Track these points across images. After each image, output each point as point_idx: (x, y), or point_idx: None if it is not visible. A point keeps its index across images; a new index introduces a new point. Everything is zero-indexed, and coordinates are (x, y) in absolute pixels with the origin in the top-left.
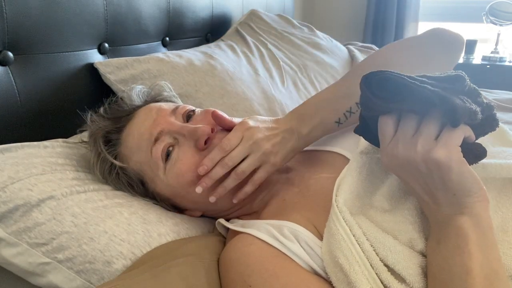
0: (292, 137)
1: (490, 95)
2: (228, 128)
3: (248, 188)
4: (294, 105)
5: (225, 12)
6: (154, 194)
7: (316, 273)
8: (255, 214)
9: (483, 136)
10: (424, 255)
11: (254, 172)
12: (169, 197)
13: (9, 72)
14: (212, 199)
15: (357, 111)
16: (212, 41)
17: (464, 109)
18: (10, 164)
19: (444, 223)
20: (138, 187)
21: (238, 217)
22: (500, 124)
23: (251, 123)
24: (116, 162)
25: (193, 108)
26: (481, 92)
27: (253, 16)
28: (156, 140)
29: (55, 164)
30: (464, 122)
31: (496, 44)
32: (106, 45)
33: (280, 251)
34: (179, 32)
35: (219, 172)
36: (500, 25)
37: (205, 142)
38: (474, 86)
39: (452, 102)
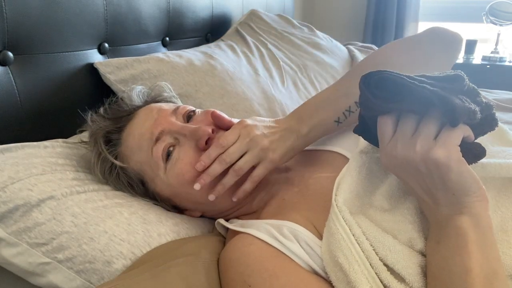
0: (291, 136)
1: (490, 95)
2: (227, 128)
3: (247, 186)
4: (294, 105)
5: (225, 12)
6: (154, 194)
7: (315, 273)
8: (254, 214)
9: (483, 135)
10: (423, 254)
11: (253, 169)
12: (169, 197)
13: (9, 72)
14: (211, 197)
15: (356, 110)
16: (212, 41)
17: (463, 108)
18: (10, 164)
19: (444, 223)
20: (138, 187)
21: (238, 217)
22: (500, 123)
23: (249, 121)
24: (117, 162)
25: (194, 108)
26: (480, 91)
27: (253, 16)
28: (157, 140)
29: (55, 164)
30: (463, 122)
31: (496, 44)
32: (106, 45)
33: (280, 251)
34: (179, 32)
35: (217, 168)
36: (500, 25)
37: (206, 142)
38: (473, 85)
39: (451, 102)
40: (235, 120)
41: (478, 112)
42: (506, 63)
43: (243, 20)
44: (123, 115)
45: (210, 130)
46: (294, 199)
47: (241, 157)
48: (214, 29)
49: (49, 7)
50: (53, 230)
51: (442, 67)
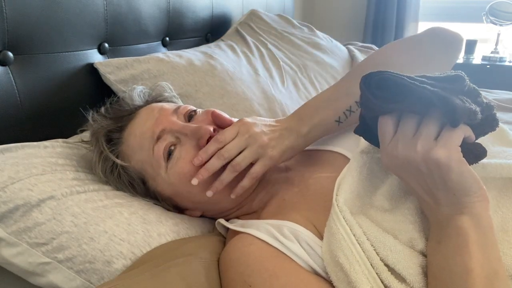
0: (291, 135)
1: (490, 95)
2: (227, 127)
3: (245, 182)
4: (294, 105)
5: (225, 12)
6: (155, 193)
7: (316, 273)
8: (254, 214)
9: (483, 136)
10: (424, 254)
11: (251, 167)
12: (170, 196)
13: (9, 72)
14: (209, 193)
15: (357, 110)
16: (212, 41)
17: (464, 109)
18: (10, 164)
19: (445, 223)
20: (139, 186)
21: (238, 217)
22: (500, 124)
23: (249, 119)
24: (118, 161)
25: (195, 108)
26: (481, 92)
27: (253, 16)
28: (158, 138)
29: (55, 164)
30: (463, 122)
31: (496, 44)
32: (106, 45)
33: (280, 251)
34: (179, 32)
35: (215, 164)
36: (500, 25)
37: (207, 142)
38: (474, 86)
39: (451, 102)
40: (236, 120)
41: (479, 113)
42: (506, 63)
43: (243, 20)
44: (124, 115)
45: (211, 129)
46: (294, 199)
47: (239, 153)
48: (214, 29)
49: (49, 7)
50: (53, 230)
51: (442, 67)
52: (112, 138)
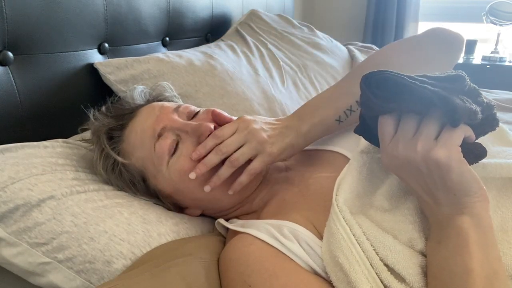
0: (291, 133)
1: (490, 95)
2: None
3: (243, 178)
4: (294, 105)
5: (225, 12)
6: (155, 191)
7: (316, 273)
8: (254, 213)
9: (483, 135)
10: (424, 254)
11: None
12: (170, 193)
13: (9, 72)
14: (206, 188)
15: (357, 109)
16: (212, 41)
17: (464, 109)
18: (10, 164)
19: (445, 223)
20: (140, 184)
21: (238, 217)
22: (500, 124)
23: (248, 117)
24: (119, 158)
25: (197, 109)
26: (481, 91)
27: (253, 16)
28: (159, 136)
29: (55, 164)
30: (464, 122)
31: (496, 44)
32: (106, 45)
33: (280, 251)
34: (179, 32)
35: (213, 159)
36: (500, 25)
37: None
38: (474, 85)
39: (452, 102)
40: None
41: (479, 112)
42: (506, 63)
43: (243, 20)
44: (126, 113)
45: (212, 126)
46: (294, 199)
47: (238, 149)
48: (214, 29)
49: (49, 7)
50: (53, 230)
51: (443, 67)
52: (113, 136)
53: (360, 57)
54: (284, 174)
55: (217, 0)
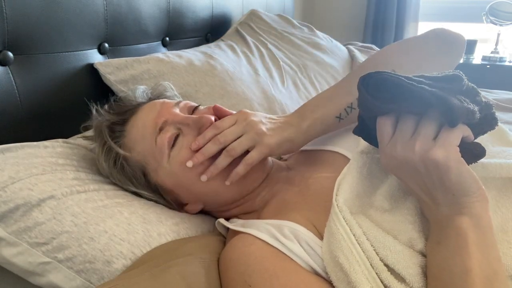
0: (290, 128)
1: (490, 95)
2: None
3: (240, 168)
4: (294, 105)
5: (225, 12)
6: (156, 185)
7: (316, 273)
8: (255, 213)
9: (483, 135)
10: (424, 254)
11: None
12: (170, 188)
13: (9, 72)
14: (203, 177)
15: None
16: (212, 41)
17: (462, 109)
18: (10, 164)
19: (444, 223)
20: (141, 178)
21: (238, 217)
22: (500, 124)
23: (248, 111)
24: (120, 151)
25: (196, 104)
26: (479, 91)
27: (253, 16)
28: (161, 129)
29: (55, 164)
30: (462, 122)
31: (496, 44)
32: (106, 45)
33: (280, 251)
34: (179, 32)
35: (210, 148)
36: (500, 25)
37: None
38: (473, 85)
39: (449, 102)
40: None
41: (477, 112)
42: (506, 63)
43: (243, 20)
44: (127, 110)
45: (212, 119)
46: (294, 199)
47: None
48: (214, 29)
49: (49, 7)
50: (53, 230)
51: (444, 68)
52: (114, 131)
53: (360, 57)
54: (284, 173)
55: (217, 0)
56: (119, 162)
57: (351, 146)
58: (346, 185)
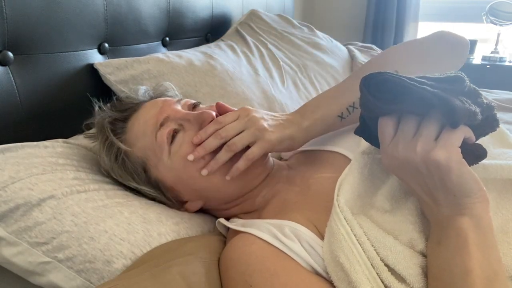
0: (292, 126)
1: (490, 95)
2: None
3: (241, 163)
4: (294, 105)
5: (225, 12)
6: (157, 181)
7: (317, 273)
8: (255, 213)
9: (484, 136)
10: (424, 255)
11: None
12: (171, 184)
13: (9, 72)
14: (204, 172)
15: None
16: (212, 41)
17: (464, 110)
18: (10, 164)
19: (445, 224)
20: (141, 174)
21: (238, 216)
22: (500, 126)
23: (250, 107)
24: (122, 145)
25: (198, 102)
26: (481, 92)
27: (253, 16)
28: (162, 125)
29: (55, 164)
30: (463, 123)
31: (496, 44)
32: (106, 45)
33: (281, 250)
34: (179, 32)
35: (212, 142)
36: (500, 25)
37: None
38: (474, 86)
39: (451, 103)
40: None
41: (479, 113)
42: (506, 63)
43: (243, 20)
44: (129, 107)
45: (213, 115)
46: (295, 199)
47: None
48: (214, 29)
49: (49, 7)
50: (54, 230)
51: (447, 70)
52: (116, 127)
53: (360, 57)
54: (285, 173)
55: (217, 0)
56: (120, 157)
57: (352, 146)
58: (347, 186)
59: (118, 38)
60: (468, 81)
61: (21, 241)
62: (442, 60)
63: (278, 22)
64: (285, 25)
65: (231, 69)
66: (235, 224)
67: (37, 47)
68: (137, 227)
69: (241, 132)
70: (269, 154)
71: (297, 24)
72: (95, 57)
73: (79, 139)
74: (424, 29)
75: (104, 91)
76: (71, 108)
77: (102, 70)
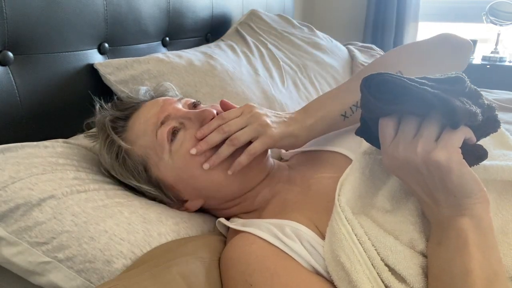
0: (295, 124)
1: (490, 95)
2: None
3: (243, 158)
4: (294, 105)
5: (225, 12)
6: (157, 180)
7: (317, 273)
8: (256, 212)
9: (485, 137)
10: (424, 255)
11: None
12: (171, 183)
13: (9, 72)
14: (205, 166)
15: None
16: (212, 41)
17: (464, 110)
18: (11, 164)
19: (445, 224)
20: (142, 172)
21: (239, 216)
22: (501, 127)
23: (254, 104)
24: (122, 143)
25: (198, 101)
26: (482, 93)
27: (253, 16)
28: (162, 123)
29: (55, 164)
30: (464, 124)
31: (496, 44)
32: (106, 45)
33: (282, 250)
34: (179, 32)
35: (215, 137)
36: (500, 25)
37: None
38: (475, 87)
39: (451, 104)
40: None
41: (479, 114)
42: (506, 63)
43: (243, 20)
44: (130, 106)
45: (214, 112)
46: (295, 198)
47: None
48: (214, 29)
49: (49, 7)
50: (54, 229)
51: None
52: (117, 125)
53: (360, 57)
54: (286, 173)
55: (217, 0)
56: (121, 156)
57: (353, 147)
58: (348, 186)
59: (118, 38)
60: (468, 82)
61: (21, 241)
62: (444, 63)
63: (278, 22)
64: (285, 25)
65: (231, 69)
66: (235, 224)
67: (37, 47)
68: (137, 227)
69: (244, 128)
70: (269, 154)
71: (297, 24)
72: (95, 57)
73: (79, 139)
74: (424, 29)
75: (104, 91)
76: (71, 108)
77: (102, 70)
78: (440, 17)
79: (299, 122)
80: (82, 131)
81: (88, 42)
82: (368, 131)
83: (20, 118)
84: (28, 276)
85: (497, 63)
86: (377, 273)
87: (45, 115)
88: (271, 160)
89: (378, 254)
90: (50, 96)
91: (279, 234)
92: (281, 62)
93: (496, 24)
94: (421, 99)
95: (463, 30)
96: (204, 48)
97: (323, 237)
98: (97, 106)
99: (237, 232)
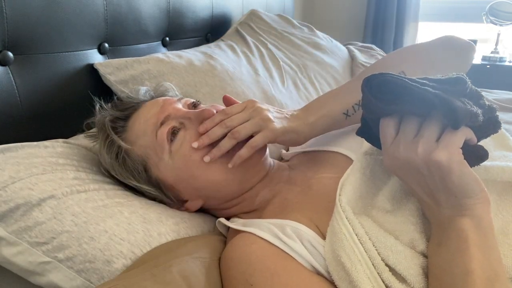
0: (297, 120)
1: (490, 95)
2: None
3: (244, 151)
4: (294, 105)
5: (225, 12)
6: (157, 180)
7: (318, 273)
8: (256, 212)
9: (486, 138)
10: (425, 255)
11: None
12: (171, 183)
13: (9, 72)
14: (206, 158)
15: None
16: (212, 41)
17: (465, 111)
18: (11, 164)
19: (445, 225)
20: (142, 172)
21: (239, 216)
22: (502, 128)
23: (257, 100)
24: (122, 144)
25: (198, 101)
26: (482, 94)
27: (253, 16)
28: (162, 124)
29: (55, 164)
30: (465, 124)
31: (496, 44)
32: (106, 45)
33: (282, 250)
34: (179, 32)
35: (217, 131)
36: (500, 25)
37: None
38: (476, 88)
39: (452, 104)
40: None
41: (480, 115)
42: (506, 63)
43: (243, 20)
44: (130, 106)
45: (214, 111)
46: (296, 198)
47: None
48: (214, 29)
49: (49, 7)
50: (54, 229)
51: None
52: (117, 125)
53: (360, 57)
54: (286, 173)
55: (217, 0)
56: (121, 156)
57: (353, 147)
58: (349, 186)
59: (118, 38)
60: (469, 82)
61: (21, 241)
62: (447, 65)
63: (278, 22)
64: (285, 25)
65: (231, 69)
66: (235, 224)
67: (37, 47)
68: (137, 227)
69: (245, 122)
70: (267, 154)
71: (297, 24)
72: (95, 57)
73: (79, 139)
74: (424, 29)
75: (104, 91)
76: (71, 108)
77: (102, 70)
78: (440, 17)
79: (301, 119)
80: (82, 131)
81: (88, 42)
82: (369, 131)
83: (20, 118)
84: (28, 276)
85: (497, 63)
86: (378, 273)
87: (45, 115)
88: (270, 159)
89: (379, 254)
90: (50, 96)
91: (280, 234)
92: (281, 62)
93: (496, 24)
94: (422, 99)
95: (463, 30)
96: (204, 48)
97: (323, 237)
98: (97, 106)
99: (237, 232)
